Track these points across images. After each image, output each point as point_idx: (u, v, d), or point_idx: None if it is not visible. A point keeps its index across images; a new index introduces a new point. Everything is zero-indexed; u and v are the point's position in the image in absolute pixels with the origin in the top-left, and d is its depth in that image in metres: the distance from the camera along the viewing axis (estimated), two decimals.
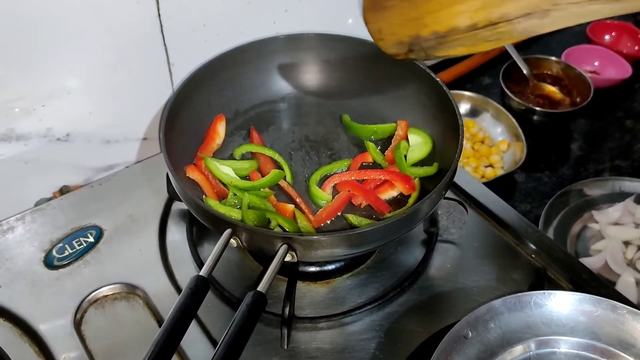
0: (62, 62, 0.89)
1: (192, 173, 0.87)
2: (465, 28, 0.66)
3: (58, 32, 0.86)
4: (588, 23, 1.45)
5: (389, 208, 0.86)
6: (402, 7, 0.69)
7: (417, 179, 0.89)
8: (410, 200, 0.87)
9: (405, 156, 0.91)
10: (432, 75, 0.92)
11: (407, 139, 0.94)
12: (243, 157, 0.94)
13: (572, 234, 1.04)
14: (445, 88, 0.90)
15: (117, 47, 0.92)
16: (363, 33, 1.03)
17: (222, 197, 0.87)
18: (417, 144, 0.94)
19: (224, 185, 0.88)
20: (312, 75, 1.02)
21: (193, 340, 0.79)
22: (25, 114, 0.90)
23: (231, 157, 0.94)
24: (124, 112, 1.00)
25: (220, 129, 0.95)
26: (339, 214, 0.86)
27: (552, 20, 0.62)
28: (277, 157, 0.92)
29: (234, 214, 0.82)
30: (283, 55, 1.00)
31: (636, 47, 1.44)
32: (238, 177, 0.89)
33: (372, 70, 0.99)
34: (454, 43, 0.68)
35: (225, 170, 0.89)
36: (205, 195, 0.86)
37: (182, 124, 0.89)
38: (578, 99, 1.28)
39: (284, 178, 0.89)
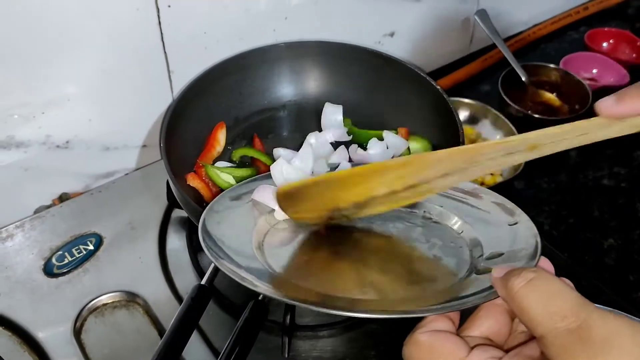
0: (61, 69, 0.89)
1: (193, 181, 0.87)
2: (383, 195, 0.67)
3: (58, 39, 0.86)
4: (586, 30, 1.47)
5: None
6: (318, 192, 0.71)
7: None
8: None
9: None
10: (432, 82, 0.92)
11: (407, 148, 0.94)
12: (241, 161, 0.94)
13: None
14: (445, 96, 0.90)
15: (117, 54, 0.92)
16: (362, 40, 1.04)
17: None
18: (417, 150, 0.94)
19: None
20: (312, 83, 1.02)
21: (195, 350, 0.79)
22: (25, 121, 0.90)
23: (230, 160, 0.94)
24: (124, 119, 1.00)
25: (221, 137, 0.95)
26: None
27: (468, 175, 0.64)
28: (271, 164, 0.91)
29: None
30: (283, 63, 1.00)
31: (634, 55, 1.45)
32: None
33: (372, 77, 0.99)
34: (374, 206, 0.69)
35: (226, 177, 0.89)
36: (206, 203, 0.86)
37: (182, 131, 0.89)
38: (577, 106, 1.28)
39: None
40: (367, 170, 0.68)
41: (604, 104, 0.54)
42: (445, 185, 0.66)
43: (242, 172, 0.91)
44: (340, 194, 0.69)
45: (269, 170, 0.89)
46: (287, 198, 0.73)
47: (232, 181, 0.88)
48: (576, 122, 0.58)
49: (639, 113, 0.54)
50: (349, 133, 0.96)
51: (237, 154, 0.93)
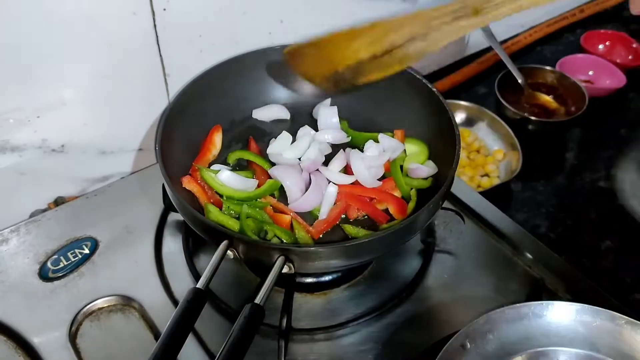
0: (57, 73, 0.89)
1: (189, 184, 0.87)
2: (368, 58, 0.82)
3: (54, 43, 0.85)
4: (582, 32, 1.47)
5: (387, 217, 0.85)
6: (314, 54, 0.86)
7: (413, 189, 0.89)
8: (407, 211, 0.87)
9: (402, 166, 0.91)
10: (429, 85, 0.92)
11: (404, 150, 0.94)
12: (237, 163, 0.94)
13: None
14: (441, 98, 0.90)
15: (112, 58, 0.92)
16: None
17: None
18: (414, 153, 0.94)
19: (220, 196, 0.87)
20: (307, 86, 1.02)
21: (190, 354, 0.78)
22: (20, 125, 0.90)
23: (225, 162, 0.93)
24: (120, 123, 1.00)
25: (217, 140, 0.95)
26: (338, 223, 0.85)
27: (433, 40, 0.77)
28: (267, 167, 0.91)
29: (232, 223, 0.82)
30: (279, 66, 1.00)
31: (630, 57, 1.45)
32: (234, 188, 0.88)
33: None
34: (367, 71, 0.84)
35: (220, 181, 0.88)
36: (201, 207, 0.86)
37: (178, 134, 0.89)
38: (573, 108, 1.28)
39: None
40: (346, 32, 0.82)
41: None
42: (417, 52, 0.79)
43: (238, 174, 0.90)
44: (333, 55, 0.84)
45: (265, 173, 0.89)
46: (294, 57, 0.88)
47: (227, 185, 0.88)
48: None
49: None
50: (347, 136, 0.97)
51: (233, 156, 0.93)
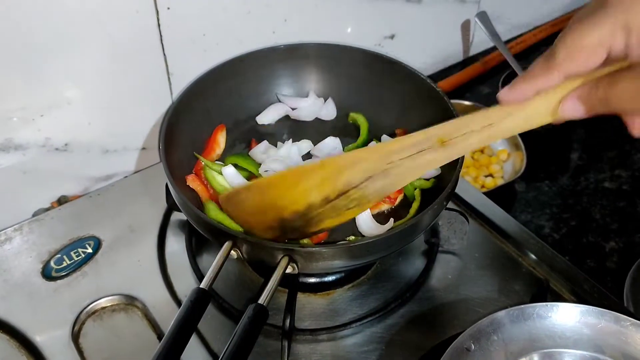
0: (61, 71, 0.89)
1: (193, 182, 0.87)
2: (320, 202, 0.71)
3: (57, 42, 0.85)
4: None
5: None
6: (255, 198, 0.75)
7: (417, 189, 0.89)
8: (412, 211, 0.86)
9: None
10: (433, 85, 0.92)
11: None
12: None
13: None
14: (446, 98, 0.89)
15: (116, 57, 0.92)
16: (363, 43, 1.03)
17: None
18: None
19: None
20: (311, 85, 1.02)
21: (193, 354, 0.78)
22: (24, 124, 0.90)
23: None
24: (123, 122, 1.00)
25: (221, 139, 0.94)
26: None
27: (396, 177, 0.67)
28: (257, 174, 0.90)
29: (231, 220, 0.82)
30: (283, 65, 1.00)
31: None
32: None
33: (372, 79, 0.99)
34: (320, 217, 0.73)
35: (222, 181, 0.89)
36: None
37: (181, 133, 0.89)
38: None
39: None
40: (290, 172, 0.72)
41: (502, 92, 0.57)
42: (378, 191, 0.69)
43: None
44: (278, 200, 0.73)
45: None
46: (231, 203, 0.77)
47: (227, 185, 0.88)
48: (478, 112, 0.60)
49: (531, 96, 0.56)
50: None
51: (229, 161, 0.92)
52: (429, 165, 0.66)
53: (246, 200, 0.76)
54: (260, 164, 0.91)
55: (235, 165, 0.90)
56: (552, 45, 0.54)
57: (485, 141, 0.62)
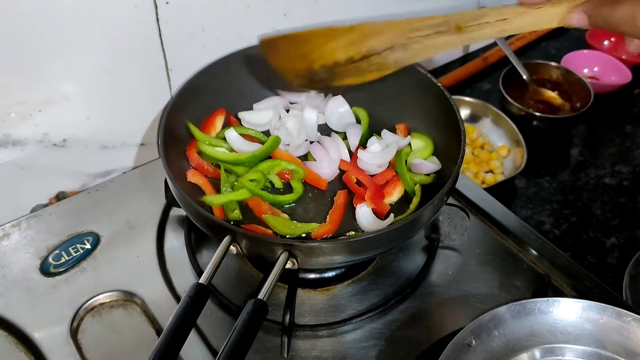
0: (59, 67, 0.88)
1: (194, 177, 0.86)
2: (345, 61, 0.79)
3: (55, 37, 0.85)
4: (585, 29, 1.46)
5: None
6: (291, 48, 0.83)
7: (417, 185, 0.88)
8: (412, 207, 0.86)
9: (406, 161, 0.90)
10: (434, 80, 0.91)
11: (409, 144, 0.93)
12: None
13: None
14: (446, 93, 0.89)
15: (115, 52, 0.91)
16: None
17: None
18: (419, 148, 0.93)
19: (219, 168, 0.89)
20: None
21: (192, 349, 0.78)
22: (22, 119, 0.89)
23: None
24: (122, 118, 0.99)
25: (218, 123, 0.95)
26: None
27: (413, 52, 0.75)
28: (260, 136, 0.94)
29: (235, 196, 0.83)
30: None
31: (635, 53, 1.44)
32: (240, 150, 0.90)
33: None
34: (343, 74, 0.81)
35: (220, 150, 0.90)
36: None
37: (180, 129, 0.89)
38: (578, 104, 1.27)
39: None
40: (324, 31, 0.79)
41: None
42: (397, 61, 0.77)
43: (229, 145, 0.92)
44: (309, 53, 0.81)
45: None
46: (269, 48, 0.84)
47: (226, 152, 0.90)
48: (494, 7, 0.66)
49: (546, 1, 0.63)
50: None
51: (222, 134, 0.93)
52: (444, 47, 0.72)
53: (283, 48, 0.84)
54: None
55: None
56: None
57: (498, 34, 0.68)
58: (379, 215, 0.84)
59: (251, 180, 0.86)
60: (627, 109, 1.33)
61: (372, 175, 0.89)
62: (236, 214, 0.83)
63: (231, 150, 0.91)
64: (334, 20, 1.12)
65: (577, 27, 0.63)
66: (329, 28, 0.80)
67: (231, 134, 0.91)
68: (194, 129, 0.90)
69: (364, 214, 0.83)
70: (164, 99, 0.99)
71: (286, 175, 0.88)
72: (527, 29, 0.67)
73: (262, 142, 0.92)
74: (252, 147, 0.90)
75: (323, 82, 0.83)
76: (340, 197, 0.86)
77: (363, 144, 0.94)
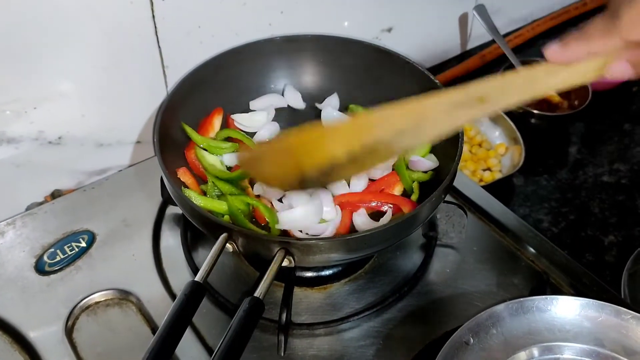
0: (55, 64, 0.87)
1: (184, 176, 0.86)
2: (345, 160, 0.66)
3: (50, 34, 0.84)
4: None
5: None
6: (276, 159, 0.71)
7: (415, 182, 0.88)
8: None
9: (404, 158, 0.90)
10: (432, 77, 0.91)
11: None
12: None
13: None
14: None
15: (110, 49, 0.91)
16: (360, 35, 1.02)
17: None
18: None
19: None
20: (308, 77, 1.01)
21: (188, 348, 0.77)
22: (17, 117, 0.89)
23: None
24: (118, 115, 0.99)
25: (216, 122, 0.94)
26: None
27: (425, 131, 0.64)
28: (253, 145, 0.92)
29: (216, 205, 0.82)
30: (279, 57, 0.99)
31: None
32: (224, 169, 0.89)
33: (369, 72, 0.98)
34: (343, 171, 0.69)
35: (211, 160, 0.89)
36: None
37: (176, 126, 0.88)
38: (576, 102, 1.27)
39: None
40: (316, 132, 0.68)
41: (551, 49, 0.56)
42: (405, 145, 0.66)
43: (228, 147, 0.91)
44: (302, 158, 0.68)
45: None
46: (250, 163, 0.75)
47: (218, 165, 0.89)
48: (522, 71, 0.59)
49: (583, 57, 0.55)
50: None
51: (221, 135, 0.93)
52: (463, 119, 0.63)
53: (268, 160, 0.73)
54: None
55: (229, 139, 0.92)
56: (610, 9, 0.54)
57: (526, 98, 0.60)
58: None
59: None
60: (625, 106, 1.33)
61: (374, 180, 0.89)
62: (226, 219, 0.82)
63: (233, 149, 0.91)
64: (331, 16, 1.11)
65: (616, 79, 0.59)
66: (320, 128, 0.71)
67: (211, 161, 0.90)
68: (190, 132, 0.89)
69: (362, 219, 0.83)
70: (160, 97, 0.99)
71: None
72: (559, 87, 0.58)
73: None
74: None
75: (317, 183, 0.72)
76: (345, 216, 0.84)
77: None
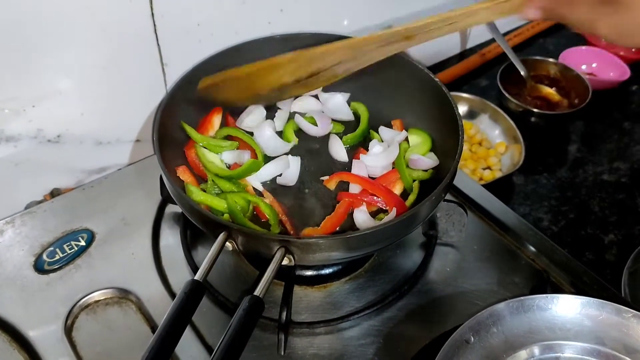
0: (53, 62, 0.87)
1: (183, 174, 0.85)
2: (292, 82, 0.85)
3: (50, 32, 0.84)
4: None
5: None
6: (233, 84, 0.87)
7: (415, 181, 0.88)
8: (409, 203, 0.85)
9: (404, 157, 0.90)
10: (432, 76, 0.91)
11: (407, 140, 0.93)
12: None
13: None
14: (444, 89, 0.88)
15: (109, 47, 0.90)
16: (360, 33, 1.02)
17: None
18: (417, 143, 0.92)
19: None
20: None
21: (188, 347, 0.77)
22: (15, 115, 0.88)
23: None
24: (117, 113, 0.98)
25: (216, 121, 0.94)
26: None
27: (363, 60, 0.81)
28: (252, 143, 0.91)
29: (215, 202, 0.82)
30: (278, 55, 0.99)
31: (633, 49, 1.44)
32: (223, 167, 0.89)
33: (369, 70, 0.97)
34: (292, 90, 0.89)
35: (211, 158, 0.89)
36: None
37: (175, 125, 0.88)
38: (576, 101, 1.27)
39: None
40: (267, 64, 0.84)
41: None
42: (345, 71, 0.83)
43: (223, 142, 0.91)
44: (255, 84, 0.87)
45: (247, 148, 0.91)
46: (210, 89, 0.87)
47: (218, 163, 0.89)
48: (444, 13, 0.70)
49: None
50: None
51: (221, 134, 0.92)
52: (393, 51, 0.79)
53: (225, 86, 0.87)
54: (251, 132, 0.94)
55: (228, 137, 0.92)
56: None
57: (444, 33, 0.74)
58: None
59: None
60: (625, 105, 1.33)
61: (375, 178, 0.89)
62: (226, 217, 0.82)
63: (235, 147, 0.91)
64: (330, 14, 1.11)
65: (528, 19, 0.67)
66: (271, 60, 0.83)
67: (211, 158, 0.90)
68: (190, 130, 0.89)
69: (363, 217, 0.83)
70: (159, 95, 0.99)
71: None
72: (479, 24, 0.71)
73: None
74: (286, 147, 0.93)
75: (272, 98, 0.90)
76: (342, 207, 0.84)
77: (363, 145, 0.94)
